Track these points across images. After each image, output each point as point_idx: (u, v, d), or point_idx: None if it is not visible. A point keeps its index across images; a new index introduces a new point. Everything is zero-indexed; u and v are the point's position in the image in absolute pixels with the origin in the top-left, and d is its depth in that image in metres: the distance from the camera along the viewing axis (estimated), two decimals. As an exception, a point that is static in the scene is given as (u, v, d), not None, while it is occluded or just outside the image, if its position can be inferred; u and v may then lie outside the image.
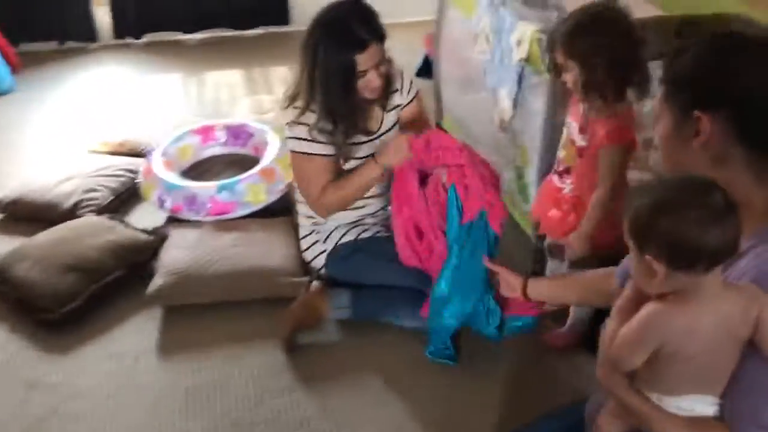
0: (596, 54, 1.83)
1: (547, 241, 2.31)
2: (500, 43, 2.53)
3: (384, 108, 2.30)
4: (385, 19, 2.14)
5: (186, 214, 2.73)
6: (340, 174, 2.27)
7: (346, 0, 2.11)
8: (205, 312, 2.44)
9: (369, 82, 2.13)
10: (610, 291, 1.71)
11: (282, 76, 4.48)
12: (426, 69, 4.18)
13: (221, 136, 3.10)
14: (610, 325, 1.28)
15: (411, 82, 2.38)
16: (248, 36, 5.11)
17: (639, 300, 1.21)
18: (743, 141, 1.17)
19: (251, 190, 2.76)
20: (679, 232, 1.08)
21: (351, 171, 2.27)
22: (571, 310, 2.28)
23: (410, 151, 2.11)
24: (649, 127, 2.33)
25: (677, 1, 2.49)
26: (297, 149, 2.23)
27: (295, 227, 2.74)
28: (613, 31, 1.85)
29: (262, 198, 2.78)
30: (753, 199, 1.17)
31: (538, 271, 2.52)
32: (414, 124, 2.35)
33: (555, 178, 2.15)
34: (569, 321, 2.30)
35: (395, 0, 5.14)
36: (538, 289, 1.88)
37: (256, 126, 3.13)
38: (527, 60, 2.37)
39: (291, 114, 2.21)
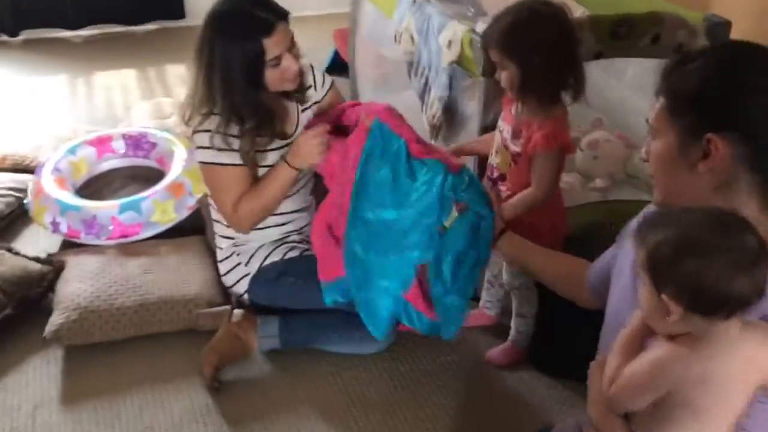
0: (534, 52, 1.75)
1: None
2: (427, 44, 2.37)
3: (301, 101, 2.11)
4: (293, 13, 1.95)
5: (85, 239, 2.43)
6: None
7: None
8: (113, 350, 2.16)
9: (285, 70, 1.93)
10: (577, 283, 1.66)
11: (179, 75, 4.18)
12: (336, 66, 4.00)
13: (119, 146, 2.80)
14: (611, 362, 1.17)
15: (323, 75, 2.21)
16: (140, 32, 4.76)
17: (645, 334, 1.10)
18: (753, 166, 1.06)
19: (158, 208, 2.49)
20: (706, 277, 0.96)
21: (262, 177, 2.06)
22: (513, 323, 2.17)
23: (325, 148, 1.94)
24: (574, 128, 2.27)
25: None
26: (203, 159, 2.00)
27: (210, 246, 2.51)
28: (553, 28, 1.77)
29: (172, 216, 2.51)
30: (757, 228, 1.07)
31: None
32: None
33: (487, 186, 2.03)
34: (511, 335, 2.19)
35: (298, -8, 5.08)
36: (514, 242, 1.78)
37: (158, 134, 2.84)
38: (458, 62, 2.22)
39: (195, 120, 1.98)
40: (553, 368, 2.16)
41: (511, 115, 1.93)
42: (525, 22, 1.77)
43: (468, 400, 2.05)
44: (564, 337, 2.18)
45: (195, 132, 1.97)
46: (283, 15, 1.90)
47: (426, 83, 2.43)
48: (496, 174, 1.99)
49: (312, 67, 2.15)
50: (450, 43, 2.20)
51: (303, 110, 2.12)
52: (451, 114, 2.34)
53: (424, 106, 2.46)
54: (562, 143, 1.85)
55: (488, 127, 2.16)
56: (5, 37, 4.49)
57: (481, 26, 2.08)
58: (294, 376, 2.10)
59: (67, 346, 2.14)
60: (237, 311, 2.14)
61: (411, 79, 2.56)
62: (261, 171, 2.05)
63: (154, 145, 2.79)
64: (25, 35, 4.54)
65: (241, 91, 1.89)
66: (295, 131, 2.09)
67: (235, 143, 1.95)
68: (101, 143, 2.78)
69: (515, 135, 1.89)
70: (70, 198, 2.52)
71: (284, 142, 2.05)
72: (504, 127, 1.95)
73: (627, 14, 2.13)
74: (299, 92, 2.07)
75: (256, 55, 1.85)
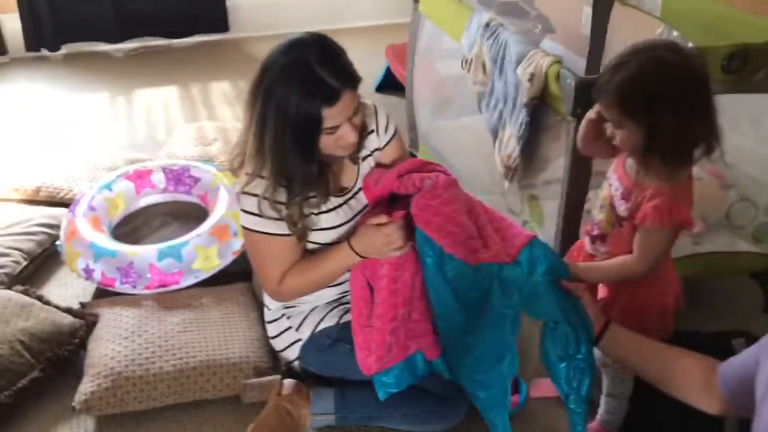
0: (664, 110, 1.42)
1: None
2: (502, 75, 2.10)
3: (354, 159, 1.82)
4: (337, 24, 1.66)
5: (120, 288, 2.21)
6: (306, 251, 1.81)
7: (306, 38, 1.61)
8: (149, 419, 1.93)
9: (341, 139, 1.65)
10: (702, 385, 1.38)
11: (224, 93, 3.99)
12: (387, 84, 3.76)
13: (159, 180, 2.58)
14: None
15: (387, 118, 1.89)
16: (182, 46, 4.57)
17: None
18: None
19: (200, 254, 2.26)
20: None
21: (319, 251, 1.79)
22: (603, 402, 1.88)
23: (399, 242, 1.65)
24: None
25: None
26: (248, 226, 1.74)
27: (257, 295, 2.28)
28: (685, 81, 1.44)
29: (215, 263, 2.28)
30: None
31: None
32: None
33: (587, 243, 1.75)
34: (601, 415, 1.90)
35: (348, 1, 4.84)
36: (619, 338, 1.52)
37: (201, 167, 2.61)
38: (541, 98, 1.94)
39: (241, 179, 1.72)
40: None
41: (624, 171, 1.62)
42: (652, 75, 1.43)
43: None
44: (664, 419, 1.89)
45: (241, 194, 1.72)
46: (352, 81, 1.62)
47: (500, 118, 2.15)
48: (596, 232, 1.70)
49: (376, 108, 1.88)
50: (532, 76, 1.93)
51: (363, 158, 1.85)
52: (529, 155, 2.06)
53: (497, 142, 2.18)
54: (677, 220, 1.53)
55: (577, 174, 1.88)
56: (46, 52, 4.33)
57: (572, 62, 1.80)
58: (350, 458, 1.85)
59: (98, 416, 1.92)
60: (287, 382, 1.89)
61: (482, 111, 2.28)
62: (315, 235, 1.78)
63: (196, 179, 2.56)
64: (65, 49, 4.38)
65: (296, 157, 1.63)
66: (354, 184, 1.83)
67: (284, 211, 1.70)
68: (140, 177, 2.57)
69: (625, 196, 1.59)
70: (105, 241, 2.30)
71: (342, 199, 1.79)
72: (614, 182, 1.65)
73: (742, 44, 1.83)
74: (357, 150, 1.78)
75: (312, 123, 1.59)
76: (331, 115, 1.58)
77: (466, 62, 2.32)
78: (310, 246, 1.79)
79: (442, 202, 1.62)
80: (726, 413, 1.38)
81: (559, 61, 1.88)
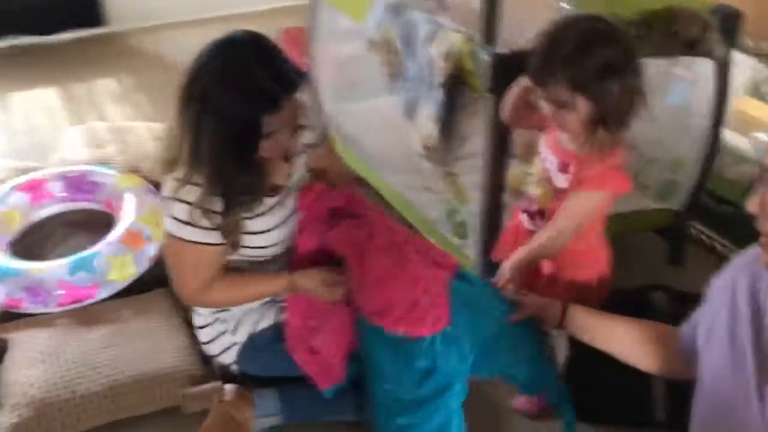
0: (610, 79, 1.46)
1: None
2: (414, 55, 2.08)
3: (288, 159, 1.75)
4: (227, 10, 1.58)
5: (29, 308, 2.06)
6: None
7: (240, 37, 1.52)
8: (81, 444, 1.82)
9: (279, 144, 1.58)
10: (666, 353, 1.44)
11: (110, 90, 3.77)
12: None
13: (57, 189, 2.41)
14: None
15: (319, 110, 1.86)
16: (56, 43, 4.27)
17: None
18: None
19: (115, 264, 2.13)
20: None
21: (255, 273, 1.77)
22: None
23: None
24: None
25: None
26: (175, 233, 1.64)
27: (179, 300, 2.17)
28: (619, 47, 1.48)
29: (131, 271, 2.16)
30: None
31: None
32: (327, 175, 1.87)
33: (525, 219, 1.77)
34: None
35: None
36: (581, 319, 1.57)
37: (102, 171, 2.46)
38: (456, 77, 1.95)
39: (170, 184, 1.63)
40: (590, 412, 1.93)
41: (557, 145, 1.64)
42: (596, 45, 1.45)
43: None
44: (598, 377, 1.96)
45: (169, 200, 1.62)
46: (294, 87, 1.52)
47: (414, 99, 2.14)
48: (535, 208, 1.71)
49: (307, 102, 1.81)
50: (446, 55, 1.92)
51: (296, 155, 1.78)
52: (448, 134, 2.06)
53: (413, 124, 2.18)
54: (615, 185, 1.57)
55: (497, 150, 1.90)
56: None
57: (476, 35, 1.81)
58: (302, 457, 1.81)
59: (23, 448, 1.78)
60: (229, 387, 1.82)
61: (394, 93, 2.27)
62: (251, 239, 1.71)
63: (98, 185, 2.41)
64: None
65: (230, 164, 1.55)
66: (288, 182, 1.77)
67: (214, 220, 1.61)
68: (34, 187, 2.39)
69: (562, 168, 1.61)
70: (4, 260, 2.13)
71: (275, 200, 1.73)
72: (548, 157, 1.66)
73: (644, 12, 1.90)
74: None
75: (252, 130, 1.51)
76: (271, 122, 1.51)
77: (373, 44, 2.29)
78: (245, 251, 1.73)
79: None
80: (683, 375, 1.43)
81: (471, 39, 1.89)
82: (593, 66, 1.44)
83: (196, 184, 1.58)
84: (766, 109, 2.67)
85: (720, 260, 2.48)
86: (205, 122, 1.50)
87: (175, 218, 1.62)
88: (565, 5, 2.47)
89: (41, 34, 4.23)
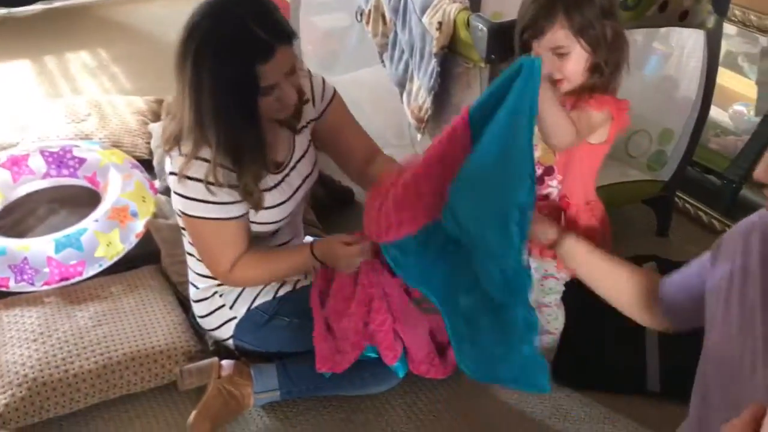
0: (607, 20, 1.50)
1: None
2: (406, 26, 2.06)
3: (294, 128, 1.74)
4: None
5: (16, 287, 2.01)
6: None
7: None
8: (75, 422, 1.79)
9: (282, 100, 1.55)
10: (644, 299, 1.42)
11: (84, 63, 3.69)
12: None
13: (39, 165, 2.35)
14: None
15: (323, 83, 1.80)
16: (25, 15, 4.15)
17: None
18: None
19: (102, 240, 2.09)
20: None
21: (279, 249, 1.76)
22: (538, 340, 1.94)
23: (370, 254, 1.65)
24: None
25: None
26: (191, 213, 1.61)
27: (168, 276, 2.15)
28: None
29: (119, 248, 2.12)
30: None
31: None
32: (341, 138, 1.83)
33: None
34: (535, 351, 1.96)
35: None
36: (583, 253, 1.50)
37: (84, 146, 2.41)
38: (450, 47, 1.93)
39: (177, 161, 1.59)
40: (584, 380, 1.96)
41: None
42: None
43: (498, 426, 1.82)
44: (592, 346, 1.99)
45: (179, 178, 1.58)
46: (287, 36, 1.50)
47: (406, 70, 2.12)
48: (540, 170, 1.71)
49: (310, 73, 1.78)
50: (440, 24, 1.90)
51: (299, 131, 1.75)
52: (442, 105, 2.05)
53: (405, 95, 2.16)
54: (615, 112, 1.57)
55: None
56: None
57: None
58: (300, 429, 1.80)
59: (16, 429, 1.75)
60: (226, 363, 1.80)
61: (385, 64, 2.24)
62: (259, 215, 1.68)
63: (81, 160, 2.35)
64: None
65: (238, 124, 1.52)
66: (290, 159, 1.74)
67: (232, 191, 1.58)
68: (15, 164, 2.32)
69: None
70: (-12, 238, 2.08)
71: (280, 176, 1.70)
72: None
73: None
74: (294, 118, 1.69)
75: (250, 82, 1.47)
76: (267, 73, 1.48)
77: (362, 14, 2.25)
78: (256, 228, 1.70)
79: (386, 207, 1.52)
80: (665, 328, 1.45)
81: (466, 8, 1.87)
82: (591, 9, 1.47)
83: (204, 159, 1.54)
84: (743, 81, 2.70)
85: (704, 230, 2.52)
86: (203, 82, 1.47)
87: (186, 197, 1.59)
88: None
89: (11, 5, 4.12)
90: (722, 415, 1.18)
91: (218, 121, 1.50)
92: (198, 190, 1.56)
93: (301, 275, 1.83)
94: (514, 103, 1.28)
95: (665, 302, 1.40)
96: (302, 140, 1.76)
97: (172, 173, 1.59)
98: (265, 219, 1.70)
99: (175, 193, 1.61)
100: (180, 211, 1.63)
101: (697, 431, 1.30)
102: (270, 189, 1.68)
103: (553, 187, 1.72)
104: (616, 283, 1.48)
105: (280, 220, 1.73)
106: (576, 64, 1.52)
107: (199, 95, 1.49)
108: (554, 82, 1.55)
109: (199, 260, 1.78)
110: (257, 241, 1.74)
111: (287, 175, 1.72)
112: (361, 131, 1.87)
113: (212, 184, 1.55)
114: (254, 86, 1.49)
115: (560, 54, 1.51)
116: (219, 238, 1.64)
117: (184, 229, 1.73)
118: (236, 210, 1.61)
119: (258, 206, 1.63)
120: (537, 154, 1.69)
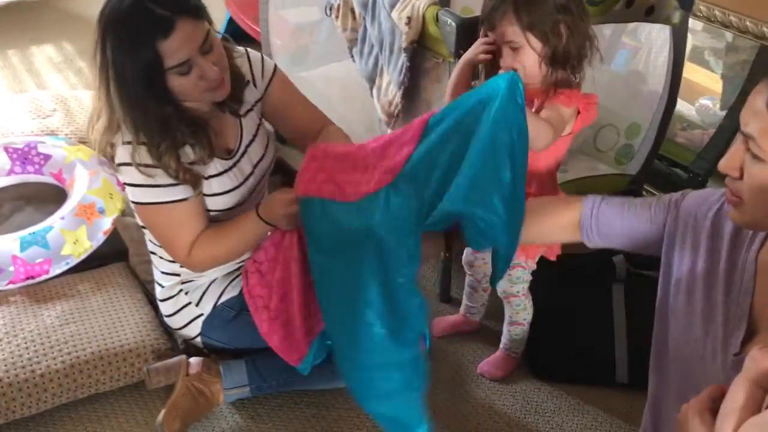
0: (562, 19, 1.51)
1: (465, 256, 1.97)
2: (375, 20, 2.05)
3: (236, 113, 1.69)
4: None
5: (-21, 286, 1.98)
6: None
7: None
8: (42, 423, 1.77)
9: (204, 77, 1.49)
10: (574, 220, 1.38)
11: (48, 57, 3.62)
12: (232, 34, 3.56)
13: (3, 162, 2.30)
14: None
15: (262, 60, 1.75)
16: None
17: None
18: None
19: (69, 238, 2.06)
20: None
21: (228, 220, 1.69)
22: (506, 330, 1.96)
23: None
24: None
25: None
26: (139, 200, 1.60)
27: (135, 274, 2.13)
28: None
29: (86, 246, 2.09)
30: None
31: (446, 286, 2.19)
32: (290, 114, 1.80)
33: None
34: (504, 344, 1.99)
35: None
36: None
37: (50, 142, 2.36)
38: (419, 42, 1.93)
39: (120, 151, 1.57)
40: (554, 373, 1.98)
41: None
42: None
43: (469, 420, 1.84)
44: (562, 338, 2.01)
45: (120, 166, 1.57)
46: (188, 10, 1.45)
47: (376, 64, 2.11)
48: None
49: (247, 52, 1.73)
50: (409, 19, 1.90)
51: (245, 113, 1.72)
52: (411, 100, 2.04)
53: (375, 90, 2.15)
54: (584, 107, 1.59)
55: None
56: None
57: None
58: (271, 426, 1.80)
59: (-18, 430, 1.73)
60: (194, 360, 1.79)
61: (354, 59, 2.23)
62: (210, 201, 1.67)
63: (46, 157, 2.31)
64: None
65: (142, 103, 1.49)
66: (240, 144, 1.71)
67: (172, 172, 1.55)
68: (-22, 160, 2.28)
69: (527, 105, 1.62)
70: (-50, 236, 2.03)
71: (230, 162, 1.68)
72: None
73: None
74: (233, 100, 1.65)
75: (152, 62, 1.44)
76: (170, 50, 1.43)
77: (332, 9, 2.24)
78: (213, 216, 1.69)
79: (323, 163, 1.50)
80: (575, 241, 1.41)
81: (435, 3, 1.87)
82: (542, 6, 1.49)
83: (127, 143, 1.54)
84: (710, 76, 2.74)
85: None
86: (109, 63, 1.45)
87: (131, 184, 1.57)
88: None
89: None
90: (680, 396, 1.20)
91: (127, 103, 1.48)
92: (135, 174, 1.55)
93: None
94: (498, 117, 1.29)
95: (597, 224, 1.35)
96: (249, 124, 1.73)
97: (117, 165, 1.58)
98: (217, 206, 1.68)
99: (125, 184, 1.60)
100: (132, 201, 1.61)
101: (653, 411, 1.32)
102: (220, 174, 1.66)
103: None
104: (541, 217, 1.43)
105: (234, 207, 1.70)
106: (528, 57, 1.53)
107: (107, 80, 1.47)
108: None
109: (163, 258, 1.76)
110: None
111: (238, 161, 1.69)
112: (308, 104, 1.83)
113: (142, 165, 1.53)
114: (158, 65, 1.45)
115: (513, 48, 1.53)
116: (171, 222, 1.61)
117: (143, 227, 1.72)
118: (181, 192, 1.59)
119: (195, 186, 1.59)
120: None
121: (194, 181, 1.60)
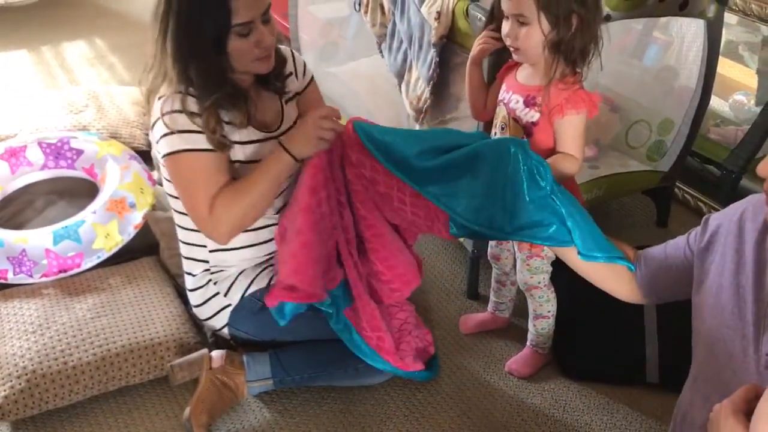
0: (573, 10, 1.51)
1: (491, 249, 1.96)
2: (404, 16, 2.04)
3: (279, 90, 1.75)
4: None
5: (15, 279, 2.01)
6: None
7: None
8: (73, 414, 1.80)
9: (260, 42, 1.56)
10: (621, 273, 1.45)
11: (81, 53, 3.66)
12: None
13: (37, 157, 2.34)
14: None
15: (303, 62, 1.85)
16: (22, 4, 4.12)
17: None
18: None
19: (100, 232, 2.09)
20: None
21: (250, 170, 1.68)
22: (532, 326, 1.95)
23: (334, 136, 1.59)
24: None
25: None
26: (167, 150, 1.60)
27: (166, 269, 2.15)
28: None
29: (117, 240, 2.11)
30: None
31: (473, 282, 2.18)
32: None
33: None
34: (531, 340, 1.97)
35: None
36: None
37: (82, 138, 2.39)
38: (449, 37, 1.92)
39: (156, 105, 1.61)
40: (583, 372, 1.96)
41: (518, 83, 1.67)
42: None
43: (496, 418, 1.83)
44: (592, 337, 1.99)
45: (159, 118, 1.59)
46: None
47: (405, 60, 2.11)
48: None
49: (292, 52, 1.81)
50: (438, 15, 1.89)
51: (287, 101, 1.78)
52: (440, 95, 2.03)
53: (403, 85, 2.14)
54: (590, 107, 1.60)
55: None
56: None
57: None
58: (299, 420, 1.80)
59: (13, 422, 1.75)
60: (216, 354, 1.80)
61: (383, 54, 2.23)
62: (242, 169, 1.68)
63: (79, 152, 2.34)
64: None
65: (200, 54, 1.54)
66: (280, 125, 1.75)
67: (199, 119, 1.58)
68: (13, 155, 2.31)
69: (529, 102, 1.63)
70: (-14, 229, 2.07)
71: (265, 135, 1.71)
72: (510, 98, 1.68)
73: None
74: (277, 79, 1.72)
75: (221, 17, 1.50)
76: (239, 8, 1.50)
77: (360, 4, 2.24)
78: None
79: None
80: (639, 301, 1.46)
81: (466, -2, 1.85)
82: None
83: (178, 92, 1.57)
84: (744, 71, 2.69)
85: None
86: (181, 17, 1.51)
87: (164, 134, 1.59)
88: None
89: (5, -6, 4.10)
90: (711, 397, 1.18)
91: (187, 52, 1.53)
92: (175, 121, 1.57)
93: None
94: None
95: (647, 278, 1.41)
96: (290, 111, 1.79)
97: (154, 123, 1.61)
98: (248, 174, 1.66)
99: (159, 137, 1.61)
100: (164, 154, 1.62)
101: (687, 409, 1.30)
102: (253, 142, 1.68)
103: None
104: (596, 269, 1.48)
105: None
106: (532, 37, 1.54)
107: (166, 29, 1.53)
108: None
109: (194, 245, 1.78)
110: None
111: (274, 138, 1.69)
112: None
113: (187, 112, 1.57)
114: (226, 20, 1.51)
115: (521, 22, 1.54)
116: (196, 173, 1.61)
117: (172, 196, 1.73)
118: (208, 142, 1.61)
119: (222, 147, 1.61)
120: (506, 135, 1.71)
121: (220, 142, 1.61)
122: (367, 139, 1.56)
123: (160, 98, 1.60)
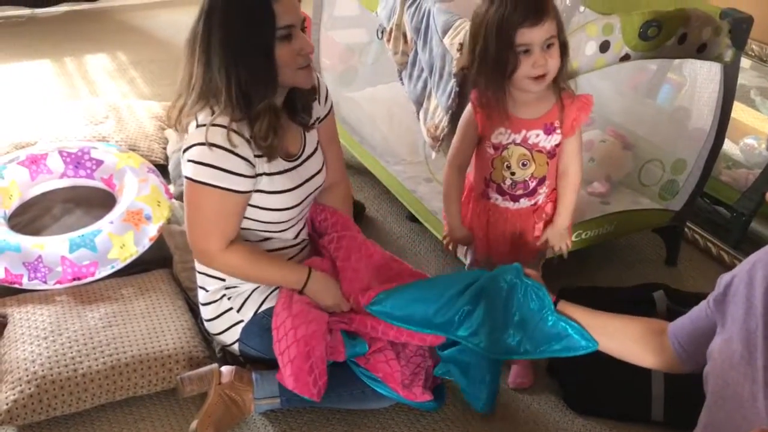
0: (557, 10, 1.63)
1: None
2: (427, 45, 2.08)
3: (305, 124, 1.80)
4: None
5: (29, 284, 2.03)
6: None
7: None
8: (80, 421, 1.81)
9: (302, 49, 1.62)
10: (655, 347, 1.48)
11: (102, 66, 3.72)
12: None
13: (57, 165, 2.37)
14: None
15: (326, 89, 1.91)
16: (47, 16, 4.20)
17: None
18: None
19: (116, 243, 2.11)
20: None
21: (279, 259, 1.83)
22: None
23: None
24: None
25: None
26: (200, 179, 1.63)
27: (178, 282, 2.17)
28: None
29: (132, 251, 2.14)
30: None
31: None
32: (326, 148, 1.92)
33: (506, 203, 1.85)
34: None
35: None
36: (572, 315, 1.57)
37: (103, 148, 2.43)
38: (470, 68, 1.95)
39: (192, 129, 1.65)
40: (588, 406, 1.96)
41: (526, 120, 1.73)
42: None
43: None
44: (598, 372, 1.99)
45: (193, 145, 1.62)
46: None
47: (425, 88, 2.14)
48: (534, 183, 1.80)
49: (317, 77, 1.85)
50: (461, 46, 1.92)
51: (308, 129, 1.83)
52: (456, 124, 2.06)
53: (422, 113, 2.17)
54: (590, 104, 1.72)
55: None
56: None
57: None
58: (304, 441, 1.81)
59: (21, 426, 1.77)
60: (225, 369, 1.81)
61: (403, 82, 2.26)
62: (268, 199, 1.73)
63: (98, 162, 2.38)
64: None
65: (250, 59, 1.57)
66: (302, 153, 1.80)
67: (246, 166, 1.64)
68: (34, 162, 2.35)
69: (550, 130, 1.70)
70: (4, 234, 2.10)
71: (291, 164, 1.76)
72: (527, 135, 1.73)
73: (657, 13, 1.91)
74: (304, 111, 1.78)
75: (267, 19, 1.55)
76: (281, 11, 1.56)
77: (383, 32, 2.28)
78: (261, 215, 1.75)
79: None
80: (681, 370, 1.47)
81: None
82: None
83: (219, 126, 1.60)
84: (755, 115, 2.72)
85: (713, 261, 2.53)
86: (212, 31, 1.56)
87: (197, 162, 1.62)
88: (582, 8, 2.51)
89: (34, 6, 4.17)
90: None
91: (236, 59, 1.56)
92: (215, 154, 1.60)
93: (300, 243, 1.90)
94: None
95: (683, 350, 1.43)
96: (312, 138, 1.84)
97: (189, 146, 1.63)
98: (275, 205, 1.74)
99: (189, 161, 1.63)
100: (188, 178, 1.65)
101: None
102: (281, 173, 1.73)
103: (541, 194, 1.83)
104: (616, 333, 1.55)
105: (289, 208, 1.77)
106: (556, 53, 1.61)
107: (208, 50, 1.57)
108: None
109: None
110: (269, 237, 1.82)
111: (299, 165, 1.77)
112: (341, 152, 2.00)
113: (234, 131, 1.60)
114: (270, 23, 1.56)
115: (549, 45, 1.59)
116: (219, 212, 1.66)
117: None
118: (243, 184, 1.65)
119: (270, 155, 1.66)
120: (529, 171, 1.78)
121: (272, 150, 1.67)
122: (389, 318, 1.71)
123: (199, 125, 1.62)
